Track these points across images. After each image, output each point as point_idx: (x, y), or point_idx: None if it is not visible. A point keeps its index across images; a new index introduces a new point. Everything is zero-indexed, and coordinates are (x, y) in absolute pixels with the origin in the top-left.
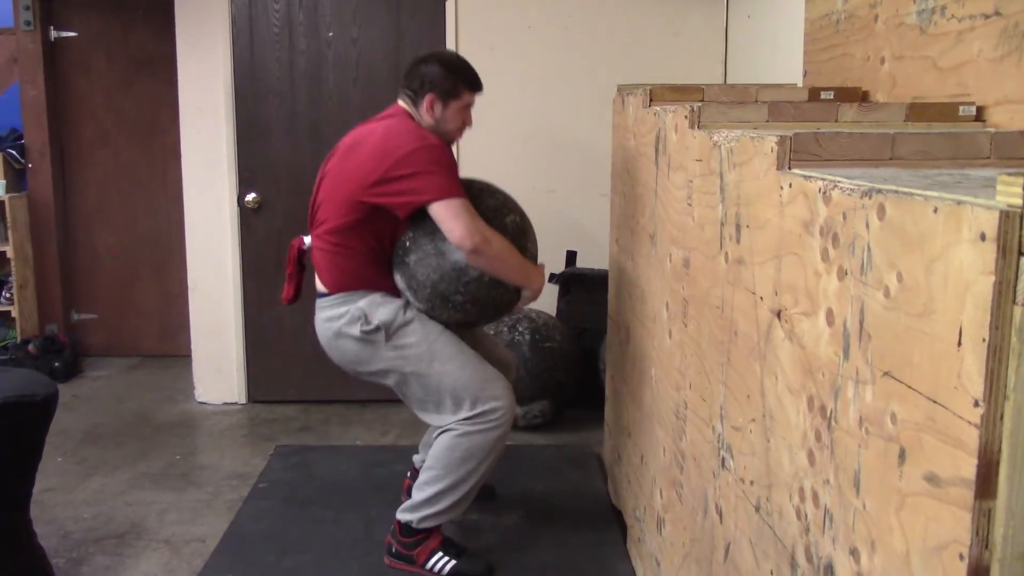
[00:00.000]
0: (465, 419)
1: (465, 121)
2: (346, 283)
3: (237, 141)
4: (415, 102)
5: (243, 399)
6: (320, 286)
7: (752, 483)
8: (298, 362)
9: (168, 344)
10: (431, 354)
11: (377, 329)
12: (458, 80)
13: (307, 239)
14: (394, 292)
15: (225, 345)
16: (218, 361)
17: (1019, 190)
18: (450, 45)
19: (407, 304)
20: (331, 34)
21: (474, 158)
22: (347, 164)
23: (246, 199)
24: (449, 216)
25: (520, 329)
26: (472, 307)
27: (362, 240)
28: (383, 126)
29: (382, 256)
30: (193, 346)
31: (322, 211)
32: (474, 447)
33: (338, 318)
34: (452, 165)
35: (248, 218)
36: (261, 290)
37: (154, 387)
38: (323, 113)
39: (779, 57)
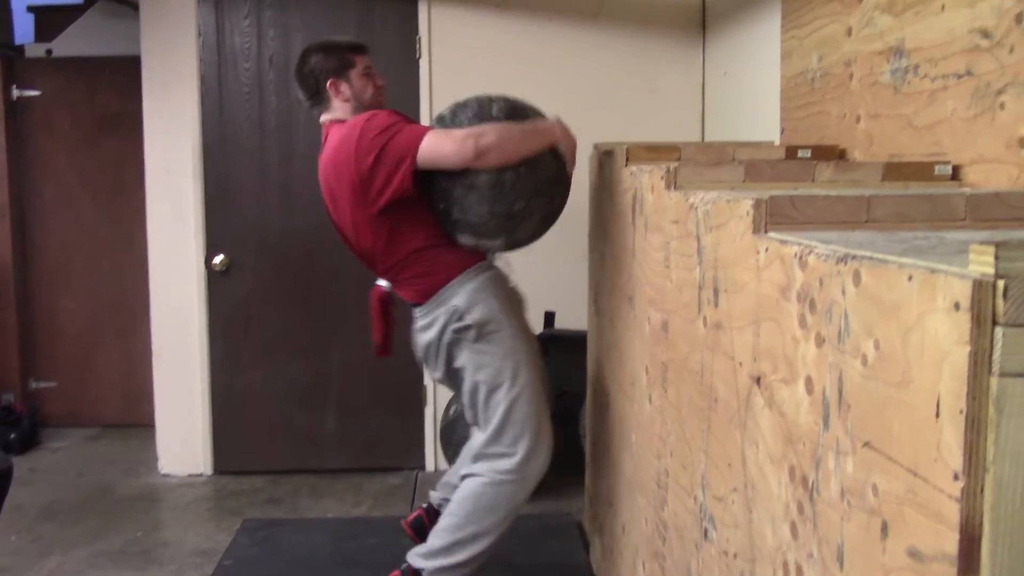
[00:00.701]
0: (499, 457)
1: (375, 83)
2: (433, 284)
3: (205, 201)
4: (325, 101)
5: (209, 470)
6: (412, 305)
7: (736, 556)
8: (267, 431)
9: (131, 413)
10: (508, 371)
11: (468, 327)
12: (340, 53)
13: (383, 283)
14: (481, 259)
15: (190, 414)
16: (183, 431)
17: (991, 259)
18: (424, 103)
19: (502, 305)
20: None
21: None
22: (339, 206)
23: (214, 261)
24: (433, 151)
25: None
26: (538, 200)
27: (416, 237)
28: (329, 150)
29: (441, 238)
30: (157, 415)
31: (370, 254)
32: (500, 498)
33: (432, 324)
34: (397, 117)
35: (216, 281)
36: (228, 356)
37: (116, 459)
38: (294, 172)
39: (757, 114)
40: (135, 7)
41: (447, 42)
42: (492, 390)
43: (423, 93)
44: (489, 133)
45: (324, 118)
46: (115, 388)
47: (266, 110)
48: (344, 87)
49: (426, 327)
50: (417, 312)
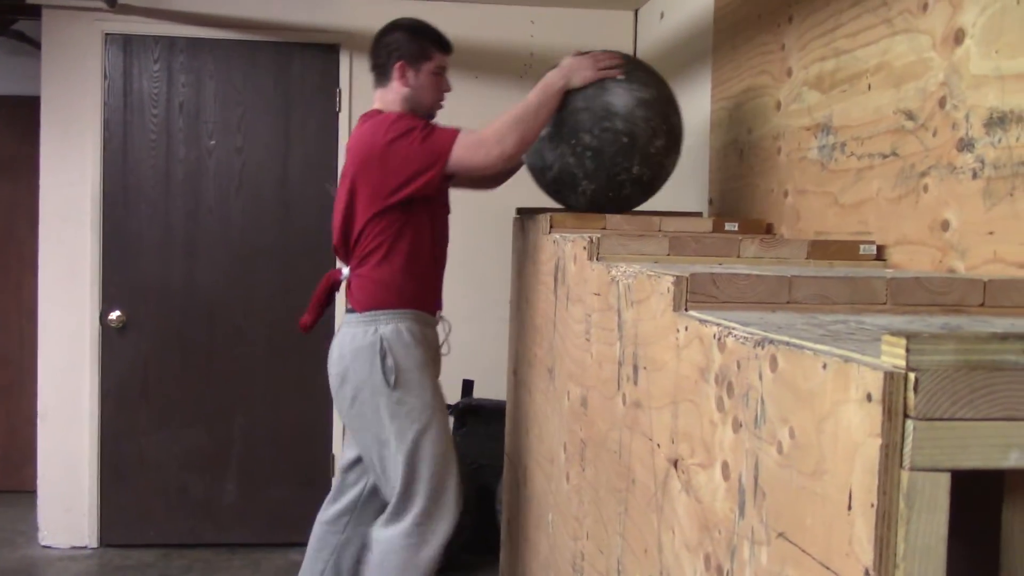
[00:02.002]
0: (413, 525)
1: (442, 87)
2: (379, 299)
3: (103, 253)
4: (385, 77)
5: (94, 543)
6: (349, 306)
7: None
8: (160, 501)
9: (10, 478)
10: (425, 425)
11: (389, 369)
12: (425, 41)
13: (345, 270)
14: (430, 310)
15: (76, 481)
16: (67, 499)
17: (903, 351)
18: (342, 157)
19: (427, 359)
20: (213, 142)
21: None
22: (350, 183)
23: (109, 317)
24: (462, 160)
25: None
26: (605, 136)
27: (401, 250)
28: (359, 133)
29: (418, 268)
30: (39, 481)
31: (353, 236)
32: (418, 563)
33: (362, 336)
34: (418, 123)
35: (111, 338)
36: (122, 419)
37: None
38: (200, 226)
39: (687, 182)
40: (37, 45)
41: (369, 94)
42: (409, 444)
43: (342, 147)
44: (510, 133)
45: (376, 98)
46: None
47: (173, 159)
48: (411, 75)
49: (355, 336)
50: (349, 318)
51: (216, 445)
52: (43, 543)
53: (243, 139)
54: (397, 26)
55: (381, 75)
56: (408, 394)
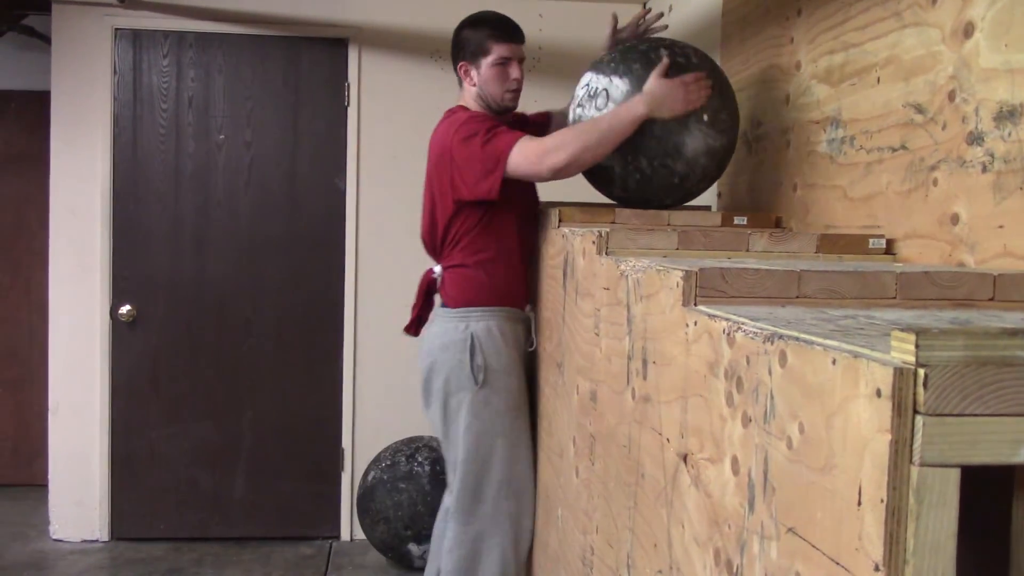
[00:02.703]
0: (467, 532)
1: (509, 77)
2: (470, 296)
3: (113, 248)
4: (458, 78)
5: (105, 536)
6: (442, 302)
7: None
8: (170, 495)
9: (22, 472)
10: (506, 429)
11: (478, 368)
12: (482, 35)
13: (437, 268)
14: (520, 306)
15: (88, 474)
16: (79, 492)
17: (912, 347)
18: (351, 152)
19: (516, 359)
20: (222, 136)
21: (374, 265)
22: (428, 180)
23: (120, 311)
24: (515, 167)
25: (419, 459)
26: (661, 171)
27: (488, 246)
28: (435, 134)
29: (507, 264)
30: (51, 475)
31: (439, 233)
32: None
33: (453, 331)
34: (483, 126)
35: (121, 333)
36: (132, 413)
37: (3, 521)
38: (210, 220)
39: None
40: (47, 40)
41: (377, 90)
42: (480, 447)
43: (351, 141)
44: (568, 150)
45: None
46: (5, 444)
47: (183, 154)
48: (473, 73)
49: (445, 332)
50: (441, 312)
51: (226, 439)
52: (54, 536)
53: (252, 133)
54: (461, 25)
55: (458, 74)
56: (495, 394)
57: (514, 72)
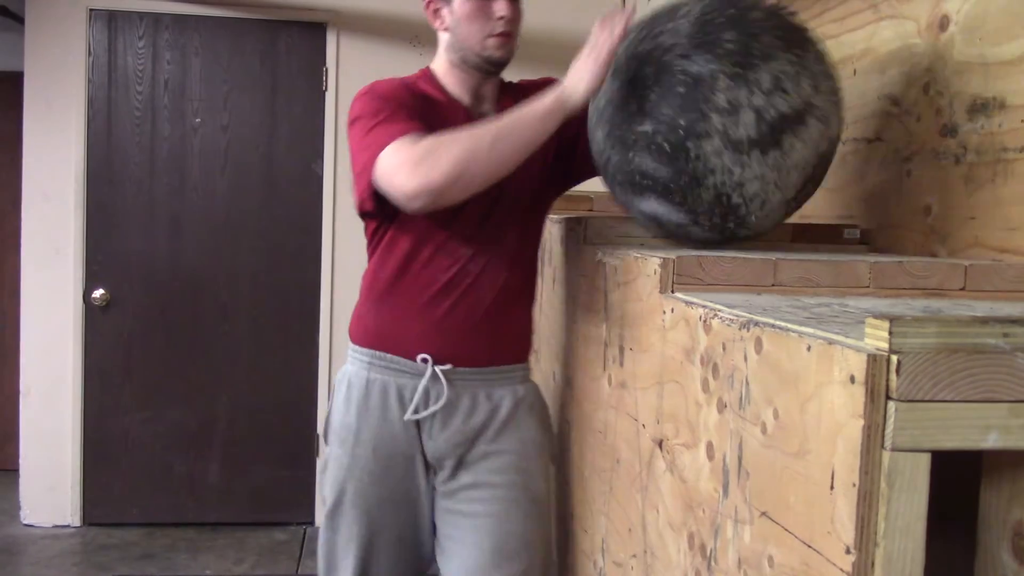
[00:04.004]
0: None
1: (492, 15)
2: (352, 328)
3: (86, 231)
4: (431, 22)
5: (77, 521)
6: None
7: None
8: (143, 479)
9: None
10: (329, 510)
11: (328, 420)
12: None
13: None
14: (404, 352)
15: (59, 459)
16: (50, 477)
17: (886, 334)
18: (329, 138)
19: (366, 424)
20: (198, 120)
21: (351, 250)
22: None
23: (93, 295)
24: (383, 181)
25: None
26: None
27: (384, 270)
28: None
29: (385, 291)
30: (22, 459)
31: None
32: None
33: (338, 382)
34: (373, 106)
35: (94, 316)
36: (105, 397)
37: None
38: (185, 204)
39: None
40: (20, 20)
41: (356, 74)
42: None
43: (328, 126)
44: (434, 158)
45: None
46: None
47: (158, 137)
48: (446, 14)
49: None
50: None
51: (200, 424)
52: (25, 521)
53: (229, 117)
54: None
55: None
56: (330, 459)
57: (500, 8)
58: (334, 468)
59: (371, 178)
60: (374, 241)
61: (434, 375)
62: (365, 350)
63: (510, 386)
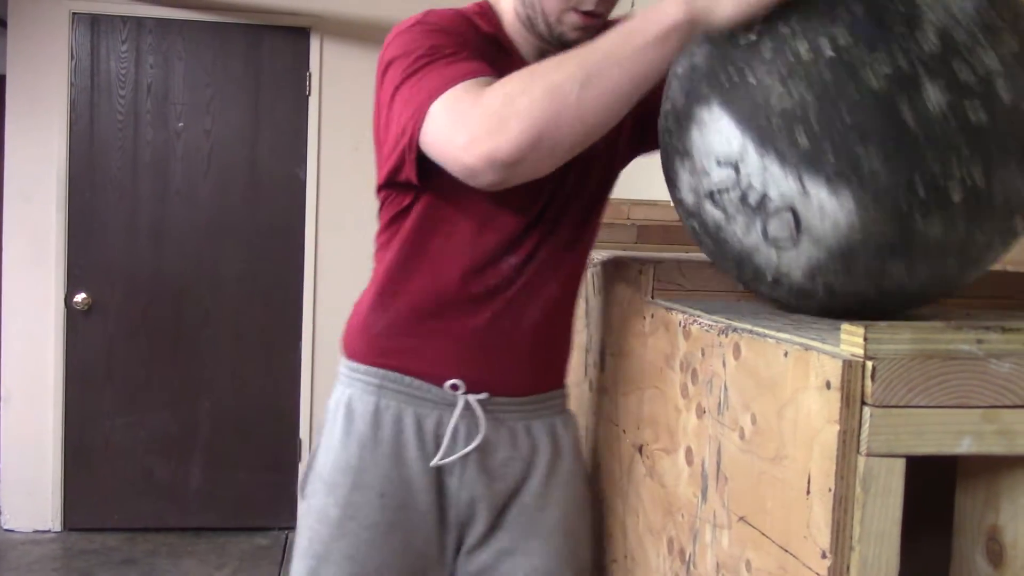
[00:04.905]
0: None
1: None
2: (350, 340)
3: (68, 235)
4: None
5: (58, 526)
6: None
7: None
8: (125, 484)
9: None
10: (322, 548)
11: (311, 465)
12: None
13: None
14: (430, 376)
15: (40, 464)
16: (30, 482)
17: (861, 340)
18: (312, 142)
19: (369, 464)
20: (181, 124)
21: (334, 255)
22: None
23: (75, 299)
24: (435, 142)
25: None
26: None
27: (409, 263)
28: None
29: (410, 294)
30: (2, 464)
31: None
32: None
33: (331, 411)
34: (426, 42)
35: (76, 320)
36: (86, 402)
37: None
38: (168, 208)
39: (657, 171)
40: (3, 24)
41: (339, 80)
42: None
43: (311, 131)
44: (516, 105)
45: None
46: None
47: (141, 142)
48: None
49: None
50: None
51: (182, 429)
52: (5, 527)
53: (212, 121)
54: None
55: None
56: (307, 517)
57: None
58: (313, 525)
59: (414, 138)
60: (392, 227)
61: (467, 407)
62: (373, 369)
63: (548, 418)
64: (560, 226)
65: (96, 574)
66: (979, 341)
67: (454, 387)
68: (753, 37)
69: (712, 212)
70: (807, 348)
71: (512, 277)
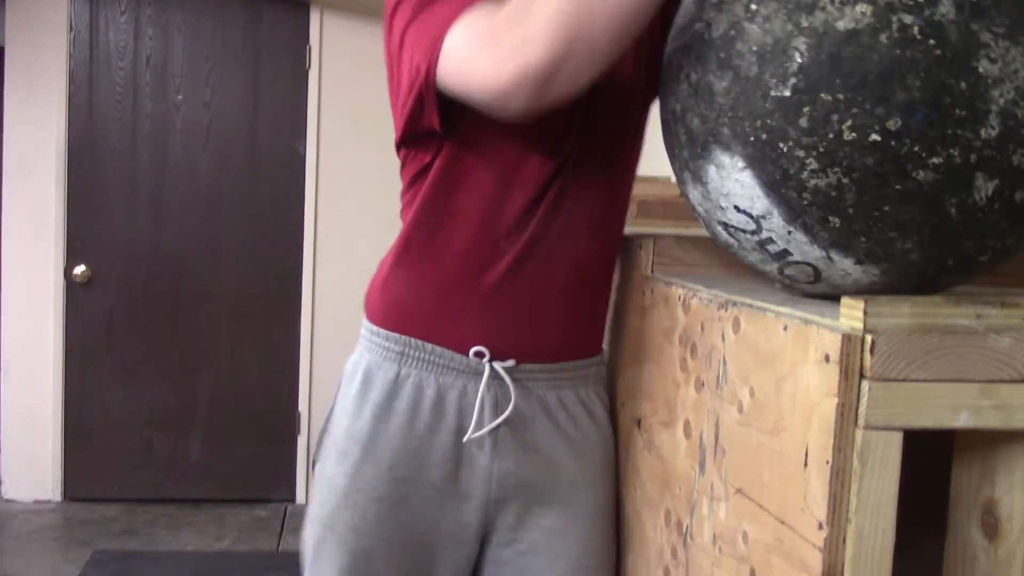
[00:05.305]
0: None
1: None
2: (368, 300)
3: (68, 207)
4: None
5: (58, 496)
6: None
7: None
8: (124, 456)
9: None
10: (314, 546)
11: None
12: None
13: None
14: (455, 344)
15: (40, 435)
16: (31, 453)
17: (860, 314)
18: (312, 116)
19: (382, 436)
20: (180, 97)
21: (333, 229)
22: None
23: (74, 272)
24: (452, 74)
25: None
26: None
27: (430, 220)
28: None
29: (430, 254)
30: (2, 435)
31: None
32: None
33: (348, 374)
34: None
35: (75, 293)
36: (86, 374)
37: None
38: (167, 181)
39: (656, 147)
40: None
41: (339, 53)
42: (306, 539)
43: (311, 105)
44: (538, 24)
45: None
46: None
47: (140, 114)
48: None
49: (345, 372)
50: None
51: (181, 401)
52: (6, 497)
53: (211, 94)
54: None
55: None
56: (319, 483)
57: None
58: (324, 492)
59: (433, 79)
60: (415, 186)
61: (494, 375)
62: (395, 336)
63: (583, 388)
64: (590, 176)
65: (96, 544)
66: (978, 316)
67: (479, 354)
68: (787, 92)
69: (723, 235)
70: (807, 322)
71: (540, 233)
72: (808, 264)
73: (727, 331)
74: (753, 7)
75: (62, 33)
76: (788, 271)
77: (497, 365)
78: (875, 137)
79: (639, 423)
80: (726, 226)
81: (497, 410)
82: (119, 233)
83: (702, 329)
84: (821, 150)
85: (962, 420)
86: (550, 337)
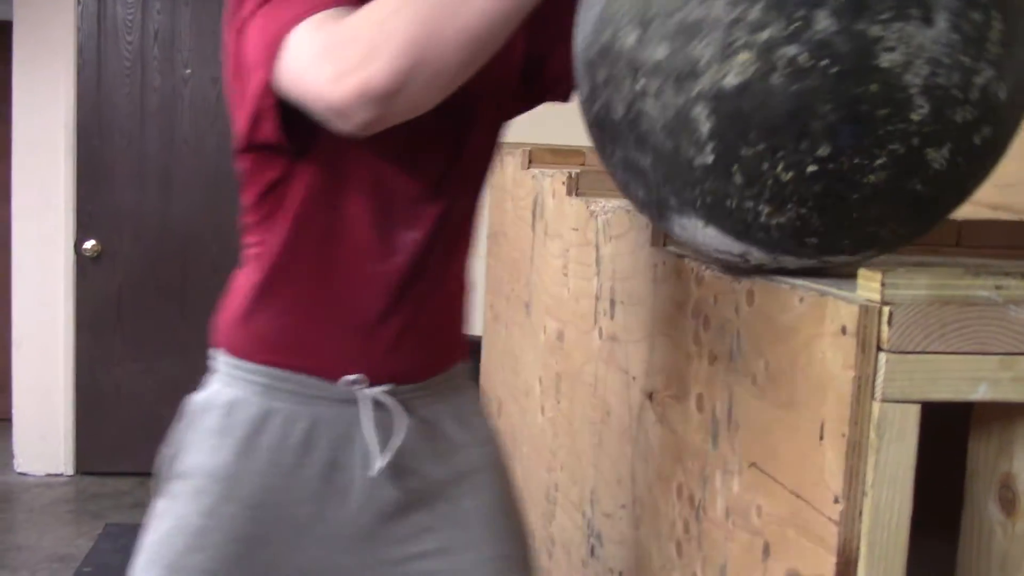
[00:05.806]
0: None
1: None
2: (220, 324)
3: (77, 182)
4: None
5: (70, 470)
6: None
7: (621, 574)
8: (135, 429)
9: None
10: (175, 559)
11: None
12: None
13: None
14: (321, 371)
15: (52, 408)
16: (43, 426)
17: (878, 285)
18: None
19: (247, 448)
20: (188, 71)
21: None
22: None
23: (84, 246)
24: (294, 81)
25: None
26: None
27: (275, 239)
28: None
29: (296, 270)
30: (15, 409)
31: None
32: None
33: (200, 407)
34: None
35: (86, 268)
36: (97, 348)
37: None
38: (175, 157)
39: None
40: None
41: None
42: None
43: None
44: (385, 37)
45: None
46: None
47: (148, 89)
48: None
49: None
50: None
51: (191, 376)
52: (18, 470)
53: (219, 69)
54: None
55: None
56: (164, 515)
57: None
58: (170, 532)
59: (269, 78)
60: (267, 203)
61: (375, 403)
62: (262, 368)
63: (453, 397)
64: (459, 193)
65: (108, 517)
66: (998, 287)
67: (354, 382)
68: (710, 159)
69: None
70: (823, 294)
71: (414, 254)
72: (807, 265)
73: (741, 303)
74: (639, 85)
75: (69, 7)
76: (764, 266)
77: (375, 391)
78: (812, 168)
79: (651, 396)
80: (717, 259)
81: (384, 435)
82: (128, 208)
83: (715, 302)
84: (767, 196)
85: (980, 392)
86: (423, 356)
